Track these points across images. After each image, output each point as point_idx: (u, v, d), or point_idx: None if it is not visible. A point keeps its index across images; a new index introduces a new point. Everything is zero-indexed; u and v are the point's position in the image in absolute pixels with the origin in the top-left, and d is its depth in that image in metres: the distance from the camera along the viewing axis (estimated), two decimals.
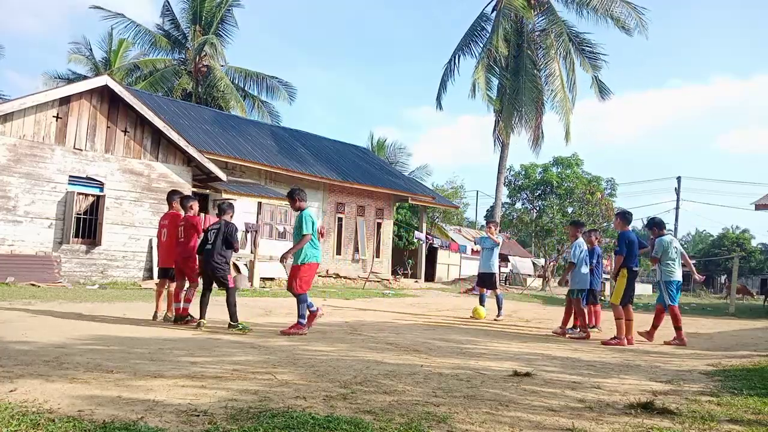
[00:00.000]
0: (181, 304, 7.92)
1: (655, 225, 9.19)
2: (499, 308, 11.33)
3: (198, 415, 3.28)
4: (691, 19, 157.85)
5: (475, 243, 11.90)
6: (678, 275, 8.84)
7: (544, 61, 26.24)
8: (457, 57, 27.06)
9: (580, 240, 9.43)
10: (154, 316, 8.15)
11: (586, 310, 9.53)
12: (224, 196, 17.91)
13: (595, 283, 9.94)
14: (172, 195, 8.58)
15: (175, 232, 8.08)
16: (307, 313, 7.57)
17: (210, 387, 4.06)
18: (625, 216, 8.96)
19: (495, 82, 27.02)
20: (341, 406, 3.70)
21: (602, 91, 26.34)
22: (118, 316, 8.32)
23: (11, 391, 3.61)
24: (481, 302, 11.44)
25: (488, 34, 26.37)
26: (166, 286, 8.27)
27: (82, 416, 3.13)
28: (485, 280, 11.44)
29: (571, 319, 9.58)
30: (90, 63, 31.38)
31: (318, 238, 7.75)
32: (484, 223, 50.07)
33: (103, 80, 15.14)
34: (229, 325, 7.53)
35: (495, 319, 11.09)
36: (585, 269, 9.27)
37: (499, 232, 12.27)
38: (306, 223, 7.65)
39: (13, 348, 5.22)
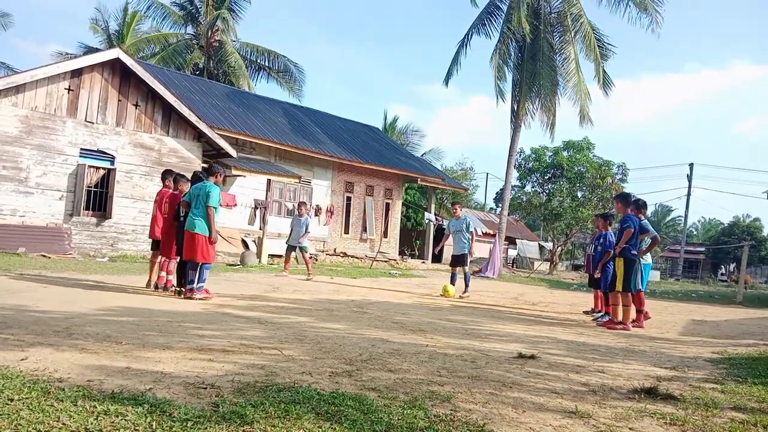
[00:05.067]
0: (164, 275, 8.57)
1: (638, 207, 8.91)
2: (466, 285, 11.81)
3: (205, 388, 3.33)
4: (710, 1, 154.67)
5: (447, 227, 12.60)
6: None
7: (560, 44, 25.84)
8: (470, 35, 26.65)
9: (304, 217, 13.33)
10: (147, 284, 8.66)
11: (592, 295, 9.72)
12: (234, 172, 17.94)
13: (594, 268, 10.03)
14: (165, 174, 9.12)
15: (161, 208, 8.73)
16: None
17: (217, 360, 4.11)
18: (626, 198, 8.72)
19: (512, 65, 26.65)
20: (346, 382, 3.74)
21: (605, 84, 25.92)
22: (127, 289, 8.41)
23: (22, 359, 3.67)
24: (452, 281, 11.91)
25: (504, 14, 25.96)
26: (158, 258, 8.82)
27: (91, 386, 3.18)
28: (457, 260, 11.95)
29: (591, 303, 10.34)
30: (104, 35, 31.31)
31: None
32: (492, 205, 50.05)
33: (115, 53, 15.11)
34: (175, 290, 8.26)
35: (460, 297, 11.44)
36: (296, 231, 13.33)
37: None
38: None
39: (24, 317, 5.29)
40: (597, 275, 9.56)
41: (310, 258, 14.26)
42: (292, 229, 13.54)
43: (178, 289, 8.24)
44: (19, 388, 2.99)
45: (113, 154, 15.26)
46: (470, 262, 12.23)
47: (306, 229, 13.33)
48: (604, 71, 25.63)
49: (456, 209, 12.10)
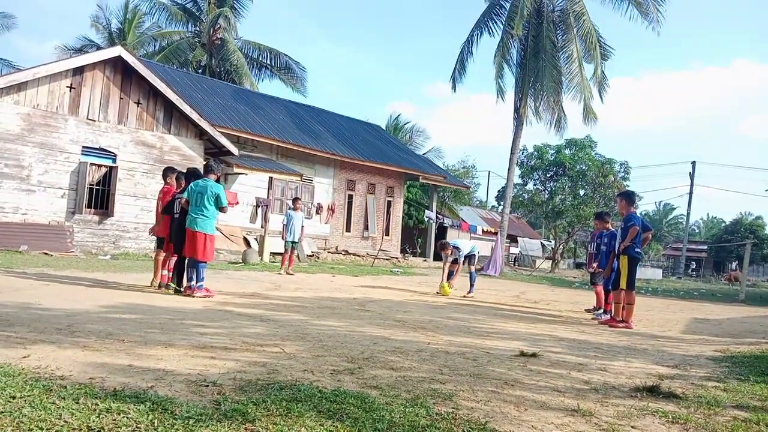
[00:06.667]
0: (166, 273, 8.58)
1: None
2: (471, 285, 11.94)
3: (207, 386, 3.33)
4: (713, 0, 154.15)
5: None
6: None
7: (563, 42, 25.76)
8: (475, 35, 26.55)
9: (299, 212, 13.95)
10: (152, 283, 8.64)
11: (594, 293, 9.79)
12: (236, 170, 17.95)
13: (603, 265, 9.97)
14: (166, 171, 9.10)
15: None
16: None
17: (219, 358, 4.10)
18: (629, 196, 8.74)
19: (514, 63, 26.58)
20: (348, 380, 3.73)
21: (601, 86, 25.83)
22: (129, 286, 8.42)
23: (24, 357, 3.67)
24: (448, 278, 11.99)
25: (507, 12, 25.89)
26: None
27: (93, 383, 3.18)
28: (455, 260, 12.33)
29: (593, 301, 10.32)
30: (105, 32, 31.30)
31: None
32: (494, 203, 50.05)
33: (117, 51, 15.13)
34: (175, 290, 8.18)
35: (465, 296, 11.55)
36: (296, 226, 13.72)
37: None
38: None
39: (26, 315, 5.30)
40: (605, 274, 9.51)
41: (310, 256, 14.39)
42: (287, 225, 13.65)
43: (177, 288, 8.24)
44: (21, 385, 2.99)
45: (115, 152, 15.27)
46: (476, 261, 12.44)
47: (302, 223, 13.85)
48: (603, 72, 25.55)
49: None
